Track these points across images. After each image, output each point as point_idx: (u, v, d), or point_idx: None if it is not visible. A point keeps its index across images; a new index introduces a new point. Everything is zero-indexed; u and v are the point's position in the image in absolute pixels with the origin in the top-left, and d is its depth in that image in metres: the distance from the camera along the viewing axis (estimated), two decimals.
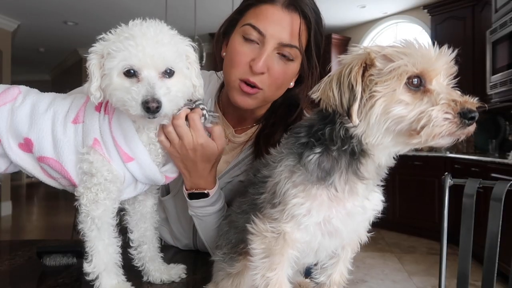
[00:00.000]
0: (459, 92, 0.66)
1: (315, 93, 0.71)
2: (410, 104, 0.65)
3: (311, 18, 1.06)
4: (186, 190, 1.03)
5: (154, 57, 0.78)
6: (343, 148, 0.70)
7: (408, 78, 0.65)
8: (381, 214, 0.78)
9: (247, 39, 1.04)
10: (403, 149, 0.71)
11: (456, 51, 0.69)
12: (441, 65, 0.67)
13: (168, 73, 0.81)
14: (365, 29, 6.57)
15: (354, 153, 0.70)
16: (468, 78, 4.99)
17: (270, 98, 1.13)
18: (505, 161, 3.54)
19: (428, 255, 4.38)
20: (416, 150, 4.99)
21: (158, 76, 0.79)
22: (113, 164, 0.87)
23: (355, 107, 0.66)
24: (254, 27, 1.02)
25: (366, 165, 0.71)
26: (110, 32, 0.82)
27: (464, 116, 0.63)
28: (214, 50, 1.21)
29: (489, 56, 4.38)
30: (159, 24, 0.83)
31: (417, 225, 5.09)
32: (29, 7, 5.99)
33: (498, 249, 1.20)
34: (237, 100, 1.09)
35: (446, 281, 1.35)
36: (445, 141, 0.66)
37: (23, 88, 0.97)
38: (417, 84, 0.66)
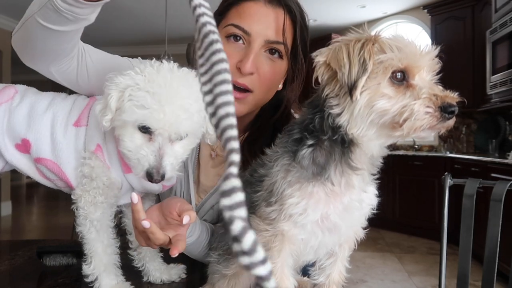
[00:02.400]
0: (440, 87, 0.68)
1: (321, 56, 0.69)
2: (393, 98, 0.66)
3: (296, 13, 1.02)
4: None
5: (173, 125, 0.75)
6: (334, 138, 0.70)
7: (392, 73, 0.66)
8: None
9: (231, 40, 1.00)
10: (386, 141, 0.72)
11: (439, 47, 0.70)
12: (425, 61, 0.68)
13: (182, 136, 0.79)
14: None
15: (344, 141, 0.71)
16: (468, 78, 5.00)
17: (261, 101, 1.08)
18: (505, 161, 3.54)
19: (428, 255, 4.38)
20: (416, 150, 4.98)
21: (170, 142, 0.78)
22: (112, 172, 0.87)
23: (363, 80, 0.65)
24: (238, 27, 0.98)
25: (356, 154, 0.72)
26: (138, 68, 0.77)
27: (444, 110, 0.64)
28: (193, 60, 1.15)
29: (489, 56, 4.37)
30: (188, 81, 0.79)
31: (417, 225, 5.09)
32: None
33: (498, 249, 1.20)
34: None
35: (446, 281, 1.35)
36: (426, 134, 0.68)
37: (19, 87, 0.96)
38: (401, 78, 0.67)
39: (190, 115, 0.77)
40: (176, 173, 0.82)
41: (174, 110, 0.74)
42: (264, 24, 0.98)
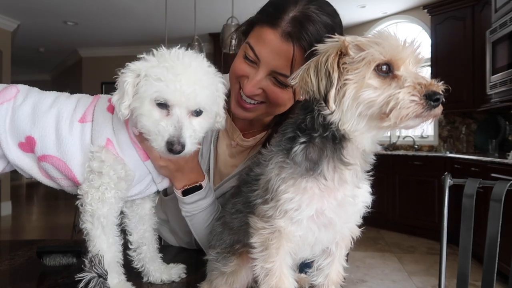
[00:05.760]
0: (426, 77, 0.69)
1: (294, 80, 0.73)
2: (379, 89, 0.67)
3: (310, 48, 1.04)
4: (179, 189, 1.04)
5: (190, 97, 0.79)
6: (325, 135, 0.72)
7: (378, 65, 0.68)
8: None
9: (246, 57, 1.04)
10: (378, 134, 0.73)
11: (421, 41, 0.72)
12: (408, 53, 0.70)
13: (198, 112, 0.83)
14: (365, 29, 6.56)
15: (335, 138, 0.72)
16: (468, 78, 5.00)
17: (273, 112, 1.12)
18: (505, 161, 3.54)
19: (428, 255, 4.38)
20: (416, 150, 4.99)
21: (187, 115, 0.81)
22: (127, 162, 0.89)
23: (332, 93, 0.68)
24: (252, 48, 1.01)
25: (347, 149, 0.73)
26: (151, 53, 0.83)
27: (429, 98, 0.65)
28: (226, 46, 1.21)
29: (489, 56, 4.37)
30: (198, 58, 0.84)
31: (417, 225, 5.08)
32: (29, 7, 5.99)
33: (498, 249, 1.20)
34: (234, 111, 1.11)
35: (446, 281, 1.36)
36: (414, 123, 0.68)
37: (21, 87, 0.96)
38: (386, 70, 0.69)
39: (203, 87, 0.81)
40: (196, 146, 0.84)
41: (189, 81, 0.78)
42: (274, 55, 0.98)
